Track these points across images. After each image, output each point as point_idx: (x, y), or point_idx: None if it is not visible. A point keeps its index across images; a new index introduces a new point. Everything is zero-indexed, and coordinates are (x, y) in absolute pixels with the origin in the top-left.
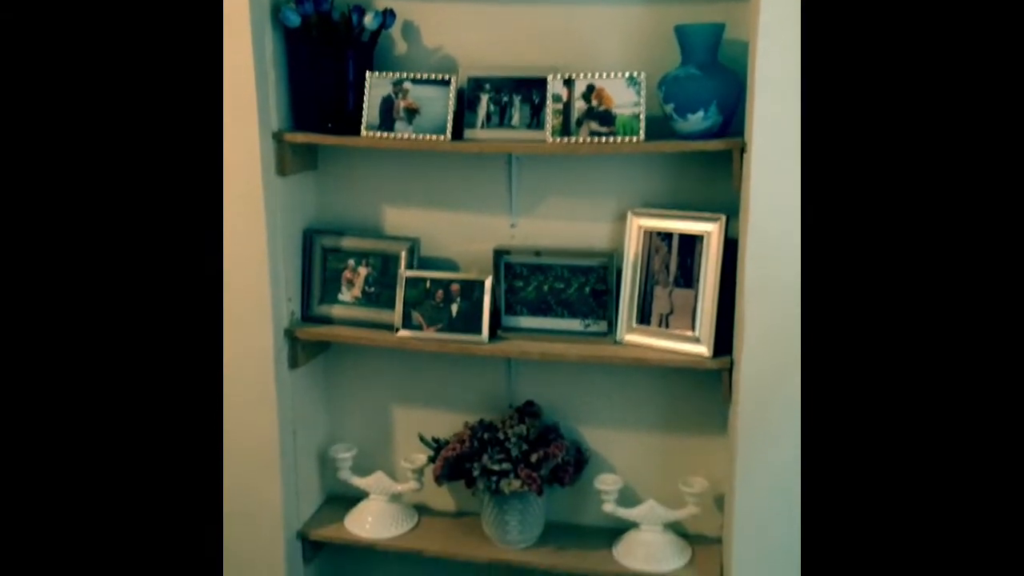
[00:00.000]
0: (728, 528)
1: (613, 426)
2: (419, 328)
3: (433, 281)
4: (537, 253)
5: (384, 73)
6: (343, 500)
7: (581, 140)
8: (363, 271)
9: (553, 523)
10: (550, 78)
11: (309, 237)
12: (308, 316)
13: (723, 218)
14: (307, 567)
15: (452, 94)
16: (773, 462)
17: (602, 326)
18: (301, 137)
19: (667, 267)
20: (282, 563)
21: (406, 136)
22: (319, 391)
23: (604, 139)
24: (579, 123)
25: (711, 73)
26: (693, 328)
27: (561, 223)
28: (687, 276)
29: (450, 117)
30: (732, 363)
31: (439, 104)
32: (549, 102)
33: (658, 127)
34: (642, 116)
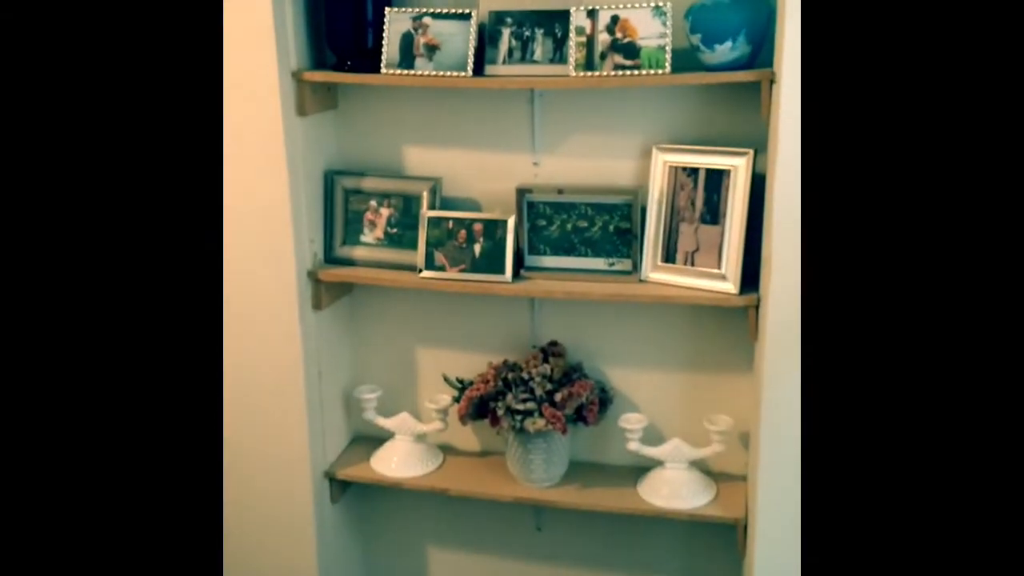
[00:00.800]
0: (753, 466)
1: (637, 365)
2: (442, 269)
3: (455, 221)
4: (560, 191)
5: (403, 8)
6: (369, 441)
7: (605, 74)
8: (385, 212)
9: (577, 462)
10: (573, 10)
11: (330, 178)
12: (330, 258)
13: (751, 153)
14: (334, 506)
15: (473, 29)
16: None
17: (626, 265)
18: (320, 76)
19: (693, 203)
20: (310, 503)
21: (427, 73)
22: (343, 333)
23: (629, 72)
24: (603, 56)
25: (740, 1)
26: (719, 265)
27: (585, 160)
28: (713, 213)
29: (471, 53)
30: (759, 300)
31: (460, 40)
32: (572, 35)
33: (684, 59)
34: (668, 48)
